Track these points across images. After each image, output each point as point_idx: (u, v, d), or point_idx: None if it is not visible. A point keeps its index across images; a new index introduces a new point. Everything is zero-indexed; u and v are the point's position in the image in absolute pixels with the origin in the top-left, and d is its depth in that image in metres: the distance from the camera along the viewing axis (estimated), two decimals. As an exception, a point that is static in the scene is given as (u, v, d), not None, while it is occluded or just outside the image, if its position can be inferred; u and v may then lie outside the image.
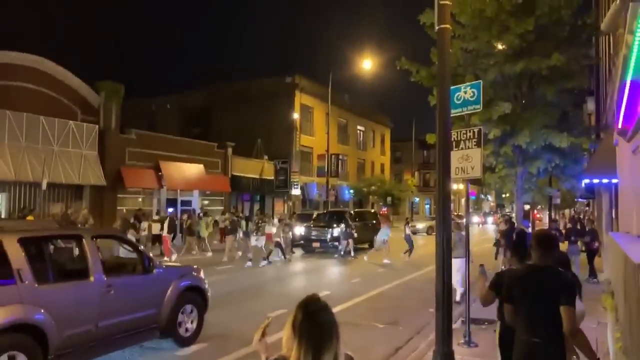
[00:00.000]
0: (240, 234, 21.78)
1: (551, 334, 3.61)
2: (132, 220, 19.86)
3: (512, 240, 5.31)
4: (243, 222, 24.05)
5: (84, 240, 6.56)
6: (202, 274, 8.53)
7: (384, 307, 11.19)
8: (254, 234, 19.21)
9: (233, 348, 7.65)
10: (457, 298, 10.85)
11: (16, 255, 5.62)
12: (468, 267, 8.20)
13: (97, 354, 6.45)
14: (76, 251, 7.43)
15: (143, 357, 7.30)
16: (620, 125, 6.87)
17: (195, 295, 8.11)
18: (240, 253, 20.27)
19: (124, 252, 9.98)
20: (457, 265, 10.37)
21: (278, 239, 19.33)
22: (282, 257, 19.23)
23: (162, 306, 7.41)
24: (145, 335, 7.20)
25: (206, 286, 8.42)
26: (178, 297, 7.65)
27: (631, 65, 4.35)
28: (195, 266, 8.87)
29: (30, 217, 15.95)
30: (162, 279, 7.58)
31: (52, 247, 7.76)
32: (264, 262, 17.80)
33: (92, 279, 6.36)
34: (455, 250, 9.97)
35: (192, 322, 7.95)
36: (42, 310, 5.64)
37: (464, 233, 10.28)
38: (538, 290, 3.74)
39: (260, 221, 19.96)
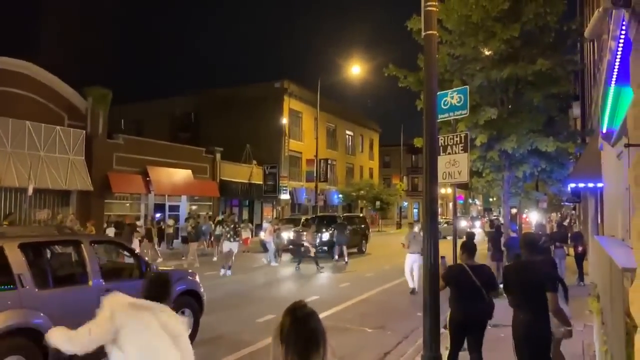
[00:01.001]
0: (211, 239, 21.63)
1: (540, 312, 4.81)
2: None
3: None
4: (218, 227, 23.75)
5: (82, 245, 6.63)
6: (197, 278, 8.59)
7: (373, 311, 11.20)
8: (231, 239, 17.37)
9: (221, 354, 7.61)
10: (410, 286, 13.35)
11: (17, 261, 5.70)
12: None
13: (96, 359, 6.44)
14: (74, 256, 7.44)
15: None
16: (604, 130, 6.95)
17: (191, 299, 8.16)
18: (197, 263, 19.13)
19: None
20: (409, 260, 13.36)
21: (310, 245, 18.82)
22: (317, 266, 18.30)
23: None
24: None
25: (202, 290, 8.47)
26: (174, 301, 7.66)
27: (614, 74, 4.41)
28: (190, 270, 8.89)
29: (5, 223, 15.68)
30: None
31: (50, 252, 7.78)
32: (224, 271, 16.56)
33: (90, 283, 6.43)
34: (413, 245, 13.33)
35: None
36: (42, 315, 5.70)
37: (416, 230, 13.73)
38: (529, 280, 4.93)
39: (236, 225, 18.51)
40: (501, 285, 5.87)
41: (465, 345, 5.95)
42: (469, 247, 6.13)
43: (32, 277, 5.77)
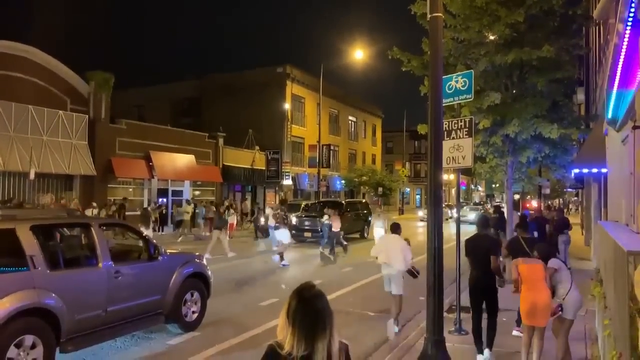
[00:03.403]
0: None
1: (486, 269, 6.57)
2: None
3: (500, 226, 7.66)
4: (227, 212, 23.78)
5: (92, 228, 6.73)
6: (204, 261, 8.70)
7: (375, 295, 11.23)
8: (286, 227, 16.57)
9: (224, 337, 7.68)
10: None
11: (29, 243, 5.77)
12: (459, 254, 8.21)
13: (105, 338, 6.65)
14: (84, 239, 7.58)
15: (137, 346, 7.31)
16: (610, 115, 6.92)
17: (199, 282, 8.27)
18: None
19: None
20: (375, 232, 18.34)
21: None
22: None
23: (167, 292, 7.58)
24: (151, 320, 7.34)
25: (209, 273, 8.58)
26: (182, 284, 7.81)
27: (624, 49, 4.37)
28: (197, 253, 8.98)
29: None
30: (167, 266, 7.74)
31: (61, 234, 7.88)
32: (280, 260, 15.74)
33: (100, 265, 6.54)
34: (377, 222, 19.33)
35: (195, 308, 8.11)
36: (54, 295, 5.79)
37: (379, 211, 21.06)
38: (479, 247, 6.71)
39: (285, 213, 17.35)
40: None
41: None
42: (499, 223, 8.36)
43: (44, 259, 5.84)
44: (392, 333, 7.78)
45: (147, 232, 14.75)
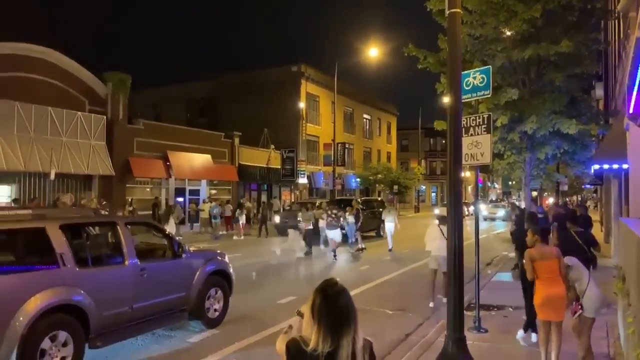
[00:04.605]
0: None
1: None
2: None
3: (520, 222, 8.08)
4: (238, 210, 24.00)
5: (118, 226, 6.87)
6: (227, 259, 8.78)
7: (393, 293, 11.23)
8: (339, 226, 16.96)
9: (244, 335, 7.71)
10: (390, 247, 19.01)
11: (58, 241, 5.93)
12: (478, 252, 8.15)
13: (132, 334, 6.80)
14: (111, 237, 7.78)
15: (157, 343, 7.38)
16: (631, 110, 6.81)
17: (221, 279, 8.38)
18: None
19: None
20: (387, 227, 19.47)
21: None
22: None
23: (190, 289, 7.70)
24: (175, 317, 7.46)
25: (231, 270, 8.67)
26: (205, 281, 7.92)
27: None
28: (219, 251, 9.07)
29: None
30: (191, 264, 7.86)
31: (88, 233, 8.04)
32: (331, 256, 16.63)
33: (126, 263, 6.68)
34: (387, 217, 19.82)
35: (218, 306, 8.21)
36: (83, 292, 5.94)
37: (389, 209, 21.67)
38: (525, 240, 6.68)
39: (337, 212, 17.26)
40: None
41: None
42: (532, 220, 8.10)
43: (72, 257, 5.99)
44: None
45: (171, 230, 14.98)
